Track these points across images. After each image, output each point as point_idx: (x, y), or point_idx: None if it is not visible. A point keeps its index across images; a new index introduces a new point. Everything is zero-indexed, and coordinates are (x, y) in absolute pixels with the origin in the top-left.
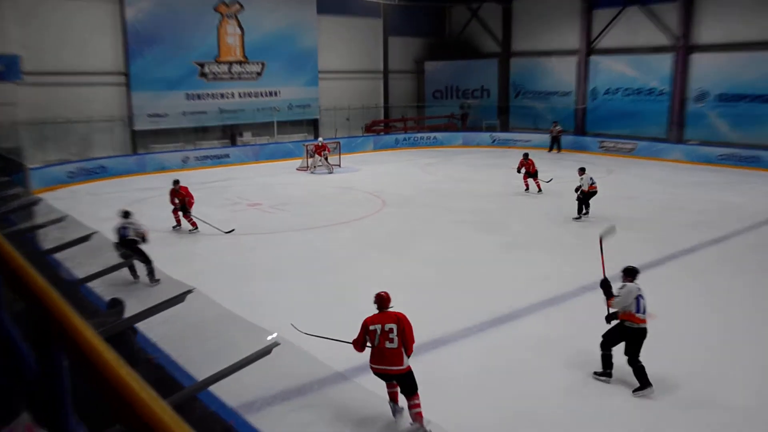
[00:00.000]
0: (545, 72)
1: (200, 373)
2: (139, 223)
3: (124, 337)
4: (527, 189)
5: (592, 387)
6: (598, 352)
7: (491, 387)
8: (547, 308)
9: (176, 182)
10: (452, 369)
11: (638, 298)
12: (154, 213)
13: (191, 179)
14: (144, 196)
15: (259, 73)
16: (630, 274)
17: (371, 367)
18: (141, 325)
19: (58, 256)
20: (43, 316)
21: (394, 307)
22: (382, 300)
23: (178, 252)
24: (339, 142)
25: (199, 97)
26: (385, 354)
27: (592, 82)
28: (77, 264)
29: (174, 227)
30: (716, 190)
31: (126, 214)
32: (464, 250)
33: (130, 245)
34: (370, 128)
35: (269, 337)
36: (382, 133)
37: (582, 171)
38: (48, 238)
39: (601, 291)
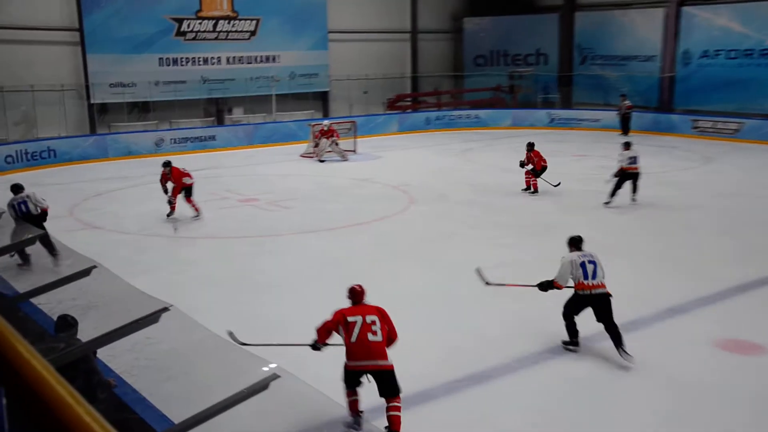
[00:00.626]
0: (621, 30)
1: (177, 415)
2: (39, 197)
3: (81, 366)
4: (529, 189)
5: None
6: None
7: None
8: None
9: (167, 164)
10: (500, 414)
11: (582, 265)
12: (118, 210)
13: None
14: (106, 188)
15: (252, 33)
16: (573, 243)
17: (348, 366)
18: (102, 352)
19: None
20: None
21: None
22: (356, 293)
23: (151, 259)
24: (354, 122)
25: (175, 62)
26: (370, 348)
27: (684, 43)
28: (17, 274)
29: (168, 215)
30: None
31: (18, 188)
32: (511, 260)
33: (35, 221)
34: (393, 104)
35: (266, 368)
36: (409, 110)
37: (627, 146)
38: None
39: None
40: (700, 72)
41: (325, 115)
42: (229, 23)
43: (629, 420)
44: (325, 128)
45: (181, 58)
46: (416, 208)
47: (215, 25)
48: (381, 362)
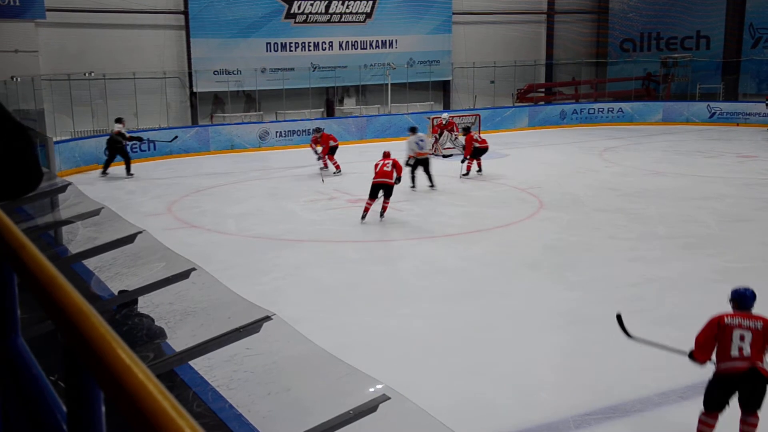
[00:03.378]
0: None
1: None
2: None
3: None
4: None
5: None
6: None
7: None
8: None
9: (318, 130)
10: None
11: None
12: (219, 208)
13: (269, 163)
14: (207, 184)
15: (368, 15)
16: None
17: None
18: (198, 363)
19: (90, 262)
20: (77, 346)
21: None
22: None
23: (253, 262)
24: (478, 116)
25: (284, 47)
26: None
27: None
28: (114, 274)
29: (321, 169)
30: None
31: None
32: (662, 277)
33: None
34: (524, 96)
35: (374, 389)
36: (542, 102)
37: None
38: (78, 238)
39: None
40: None
41: (446, 107)
42: (342, 4)
43: None
44: (444, 121)
45: (290, 43)
46: (547, 214)
47: (328, 7)
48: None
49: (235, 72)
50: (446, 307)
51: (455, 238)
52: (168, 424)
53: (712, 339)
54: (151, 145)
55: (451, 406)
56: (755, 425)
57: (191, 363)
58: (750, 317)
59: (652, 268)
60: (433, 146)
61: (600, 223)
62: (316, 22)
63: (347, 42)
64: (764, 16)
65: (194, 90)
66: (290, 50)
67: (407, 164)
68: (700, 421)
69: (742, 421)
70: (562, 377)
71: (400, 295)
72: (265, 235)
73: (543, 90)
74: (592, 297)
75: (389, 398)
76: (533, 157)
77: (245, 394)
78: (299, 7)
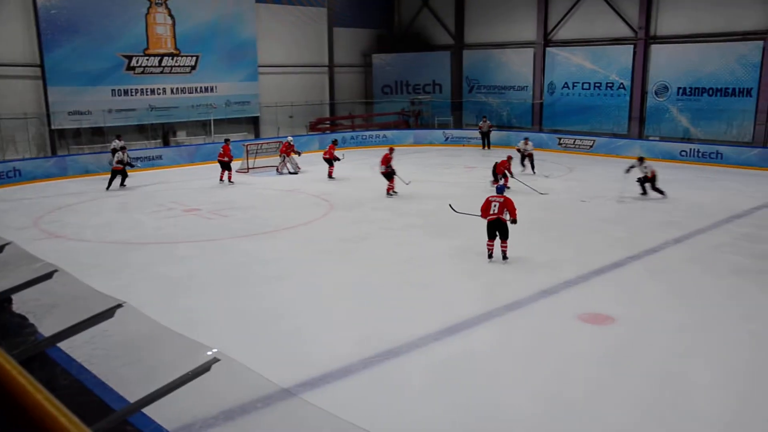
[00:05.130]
0: (500, 65)
1: (133, 395)
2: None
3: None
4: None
5: (558, 390)
6: (561, 358)
7: (448, 397)
8: (505, 314)
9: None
10: (408, 378)
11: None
12: (78, 221)
13: (118, 183)
14: (68, 202)
15: (193, 67)
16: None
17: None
18: (63, 345)
19: None
20: None
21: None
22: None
23: (108, 263)
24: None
25: (126, 92)
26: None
27: (549, 76)
28: None
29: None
30: (679, 188)
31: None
32: (417, 255)
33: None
34: (315, 126)
35: (208, 353)
36: (328, 131)
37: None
38: None
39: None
40: (562, 99)
41: (257, 137)
42: (172, 59)
43: (511, 383)
44: (289, 142)
45: (131, 89)
46: (336, 213)
47: (160, 61)
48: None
49: (86, 112)
50: (267, 287)
51: (271, 234)
52: (28, 399)
53: (486, 207)
54: (17, 172)
55: (268, 365)
56: (506, 246)
57: (59, 345)
58: (499, 197)
59: (415, 249)
60: (248, 163)
61: (375, 219)
62: (151, 73)
63: (177, 88)
64: (474, 71)
65: (52, 127)
66: (131, 95)
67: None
68: (487, 245)
69: (501, 246)
70: (355, 332)
71: (230, 282)
72: (118, 240)
73: (328, 122)
74: (371, 272)
75: (219, 360)
76: (323, 172)
77: (105, 366)
78: (137, 62)
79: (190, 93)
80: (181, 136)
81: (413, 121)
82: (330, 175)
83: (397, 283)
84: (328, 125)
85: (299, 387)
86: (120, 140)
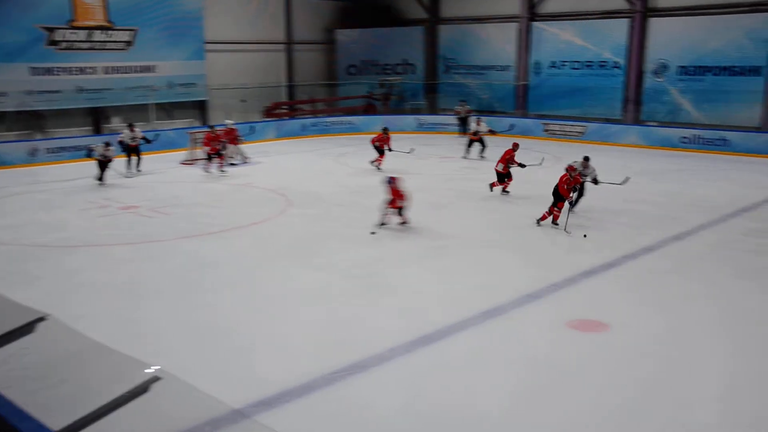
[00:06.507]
0: (480, 42)
1: (56, 423)
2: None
3: None
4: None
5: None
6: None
7: (420, 416)
8: (485, 321)
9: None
10: (377, 397)
11: None
12: None
13: (39, 177)
14: None
15: (128, 43)
16: None
17: None
18: None
19: None
20: None
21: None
22: None
23: (31, 269)
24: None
25: (49, 71)
26: None
27: (535, 54)
28: None
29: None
30: (678, 180)
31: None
32: (387, 257)
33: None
34: (271, 112)
35: (147, 371)
36: (286, 117)
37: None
38: None
39: None
40: (549, 81)
41: (205, 123)
42: (104, 33)
43: (490, 395)
44: (230, 127)
45: (55, 67)
46: (295, 210)
47: (90, 35)
48: None
49: (1, 93)
50: (216, 295)
51: (219, 234)
52: None
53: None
54: None
55: (217, 384)
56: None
57: None
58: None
59: (385, 249)
60: (193, 154)
61: (339, 215)
62: (79, 49)
63: (111, 67)
64: (451, 49)
65: None
66: (55, 74)
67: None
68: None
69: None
70: (316, 344)
71: (174, 289)
72: (40, 243)
73: (287, 107)
74: (334, 276)
75: (161, 378)
76: (281, 164)
77: (23, 391)
78: (61, 36)
79: (125, 73)
80: (116, 122)
81: (382, 106)
82: (378, 166)
83: (363, 287)
84: (286, 110)
85: (253, 407)
86: (132, 130)
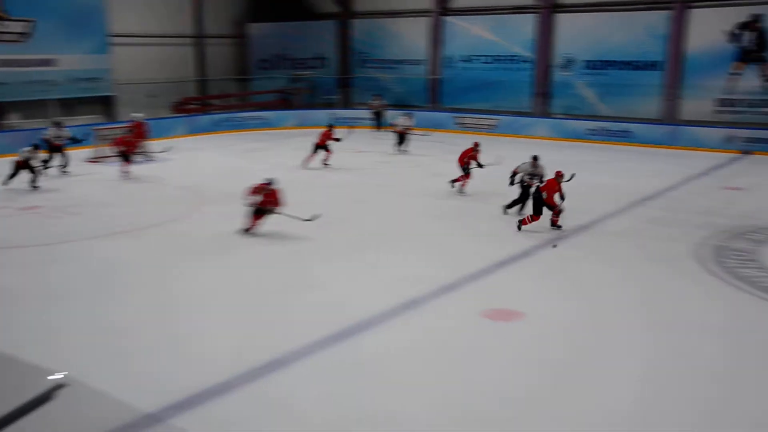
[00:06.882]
0: (393, 36)
1: None
2: None
3: None
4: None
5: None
6: (466, 362)
7: (340, 410)
8: (402, 314)
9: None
10: (296, 394)
11: None
12: None
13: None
14: None
15: (25, 35)
16: None
17: None
18: None
19: None
20: None
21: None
22: None
23: None
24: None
25: None
26: None
27: (448, 49)
28: None
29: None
30: (584, 169)
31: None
32: (305, 251)
33: None
34: (180, 107)
35: (51, 378)
36: (197, 113)
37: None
38: None
39: None
40: (461, 75)
41: (112, 120)
42: None
43: (413, 386)
44: (141, 120)
45: None
46: (208, 208)
47: None
48: None
49: None
50: (125, 297)
51: (130, 234)
52: None
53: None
54: None
55: (127, 388)
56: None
57: None
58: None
59: (303, 244)
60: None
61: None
62: None
63: (6, 60)
64: (364, 44)
65: None
66: None
67: None
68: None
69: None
70: (233, 343)
71: (81, 293)
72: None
73: (197, 102)
74: (249, 274)
75: (67, 385)
76: (192, 160)
77: None
78: None
79: (22, 66)
80: (13, 119)
81: (295, 101)
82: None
83: (280, 284)
84: (196, 106)
85: (167, 411)
86: (60, 128)
